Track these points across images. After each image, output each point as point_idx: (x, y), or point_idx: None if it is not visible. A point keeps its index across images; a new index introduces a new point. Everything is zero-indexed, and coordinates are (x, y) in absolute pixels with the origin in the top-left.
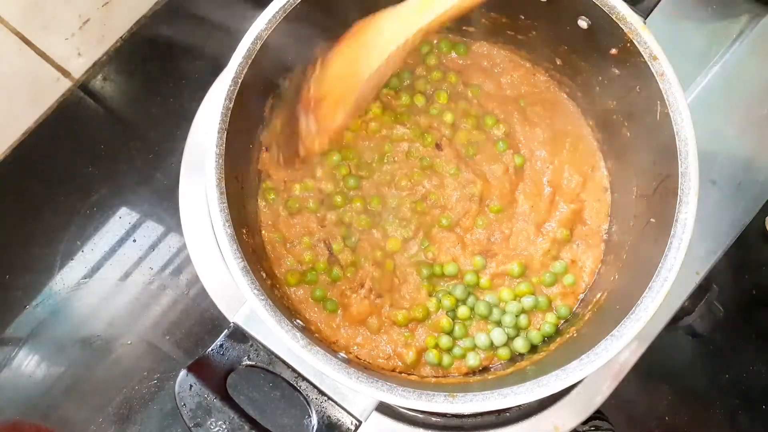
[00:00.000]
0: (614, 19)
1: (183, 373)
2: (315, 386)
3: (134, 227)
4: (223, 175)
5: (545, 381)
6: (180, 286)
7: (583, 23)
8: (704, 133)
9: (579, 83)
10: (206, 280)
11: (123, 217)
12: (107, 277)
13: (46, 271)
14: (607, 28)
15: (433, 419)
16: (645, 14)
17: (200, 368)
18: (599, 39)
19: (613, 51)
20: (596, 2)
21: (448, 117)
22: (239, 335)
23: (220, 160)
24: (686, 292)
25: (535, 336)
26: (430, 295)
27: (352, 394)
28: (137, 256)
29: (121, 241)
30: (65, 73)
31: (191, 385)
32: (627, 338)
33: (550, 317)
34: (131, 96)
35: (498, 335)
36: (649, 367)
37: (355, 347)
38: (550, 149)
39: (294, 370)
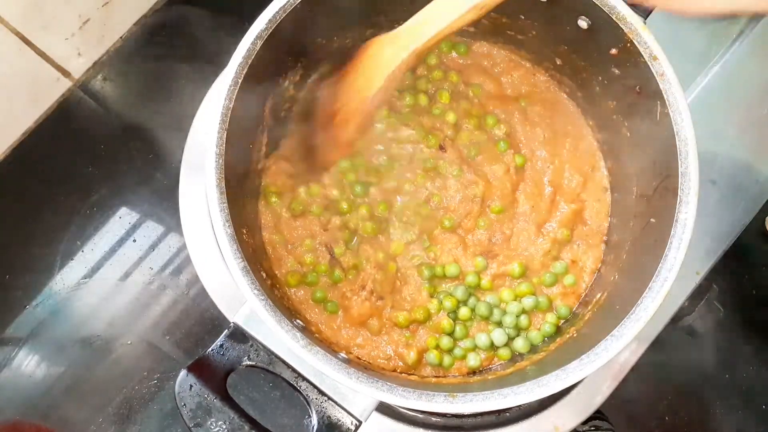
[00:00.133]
0: (614, 19)
1: (183, 373)
2: (315, 386)
3: (134, 227)
4: (223, 175)
5: (545, 381)
6: (180, 286)
7: (583, 23)
8: (704, 133)
9: (579, 83)
10: (206, 280)
11: (123, 217)
12: (107, 277)
13: (46, 271)
14: (607, 28)
15: (433, 419)
16: (645, 14)
17: (200, 368)
18: (599, 39)
19: (613, 51)
20: (596, 2)
21: (451, 117)
22: (239, 335)
23: (220, 160)
24: (686, 292)
25: (535, 336)
26: (431, 296)
27: (352, 394)
28: (137, 256)
29: (121, 241)
30: (65, 73)
31: (191, 385)
32: (627, 338)
33: (551, 317)
34: (131, 96)
35: (499, 336)
36: (649, 367)
37: (356, 348)
38: (550, 149)
39: (294, 370)
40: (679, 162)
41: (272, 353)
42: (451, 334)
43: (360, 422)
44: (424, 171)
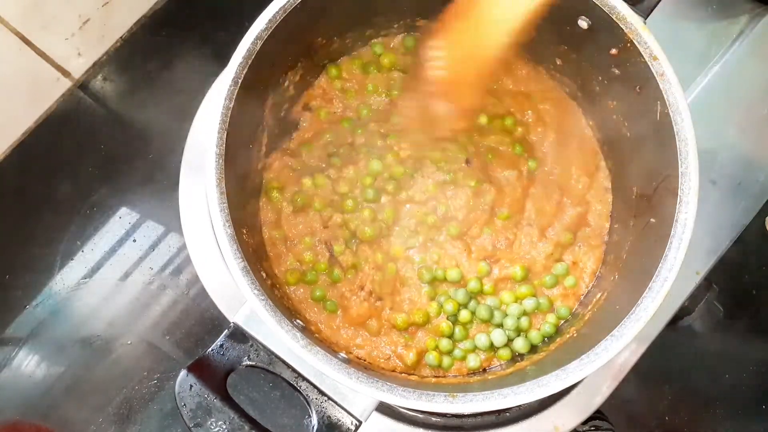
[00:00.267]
0: (614, 19)
1: (183, 373)
2: (315, 386)
3: (134, 227)
4: (223, 175)
5: (545, 381)
6: (180, 286)
7: (583, 23)
8: (704, 133)
9: (579, 83)
10: (206, 280)
11: (123, 217)
12: (107, 277)
13: (46, 271)
14: (607, 28)
15: (433, 419)
16: (645, 14)
17: (200, 368)
18: (599, 39)
19: (613, 51)
20: (596, 2)
21: (483, 119)
22: (239, 335)
23: (220, 160)
24: (686, 292)
25: (535, 336)
26: (431, 299)
27: (352, 394)
28: (137, 256)
29: (121, 241)
30: (65, 73)
31: (191, 385)
32: (627, 338)
33: (550, 317)
34: (131, 96)
35: (498, 336)
36: (649, 367)
37: (355, 348)
38: (559, 151)
39: (294, 370)
40: (679, 162)
41: (272, 353)
42: (450, 336)
43: (360, 422)
44: (440, 183)
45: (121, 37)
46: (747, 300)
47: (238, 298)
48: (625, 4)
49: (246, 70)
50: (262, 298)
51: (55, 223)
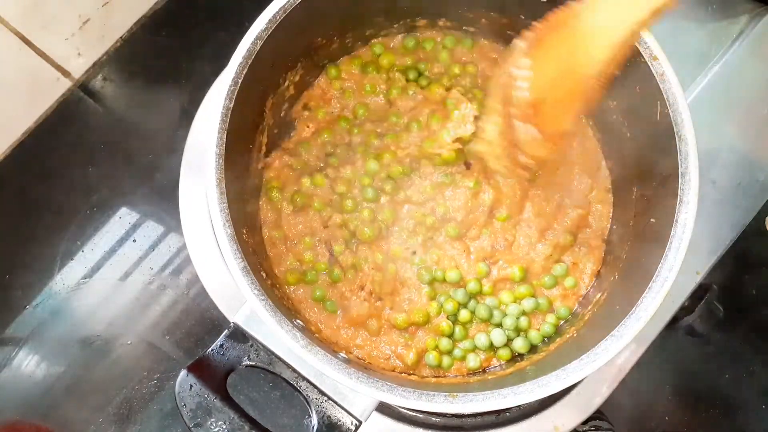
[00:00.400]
0: None
1: (183, 373)
2: (315, 386)
3: (134, 227)
4: (223, 175)
5: (545, 381)
6: (180, 286)
7: None
8: (704, 133)
9: None
10: (206, 280)
11: (123, 217)
12: (107, 277)
13: (46, 271)
14: None
15: (433, 419)
16: None
17: (200, 368)
18: None
19: None
20: None
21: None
22: (239, 335)
23: (220, 160)
24: (686, 292)
25: (534, 336)
26: (431, 299)
27: (352, 394)
28: (137, 256)
29: (121, 241)
30: (65, 73)
31: (191, 385)
32: (627, 338)
33: (550, 317)
34: (131, 96)
35: (498, 336)
36: (649, 367)
37: (355, 348)
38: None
39: (294, 370)
40: (679, 162)
41: (272, 353)
42: (450, 336)
43: (360, 422)
44: (436, 184)
45: (121, 37)
46: (747, 300)
47: (238, 298)
48: None
49: (246, 70)
50: (262, 298)
51: (55, 223)
